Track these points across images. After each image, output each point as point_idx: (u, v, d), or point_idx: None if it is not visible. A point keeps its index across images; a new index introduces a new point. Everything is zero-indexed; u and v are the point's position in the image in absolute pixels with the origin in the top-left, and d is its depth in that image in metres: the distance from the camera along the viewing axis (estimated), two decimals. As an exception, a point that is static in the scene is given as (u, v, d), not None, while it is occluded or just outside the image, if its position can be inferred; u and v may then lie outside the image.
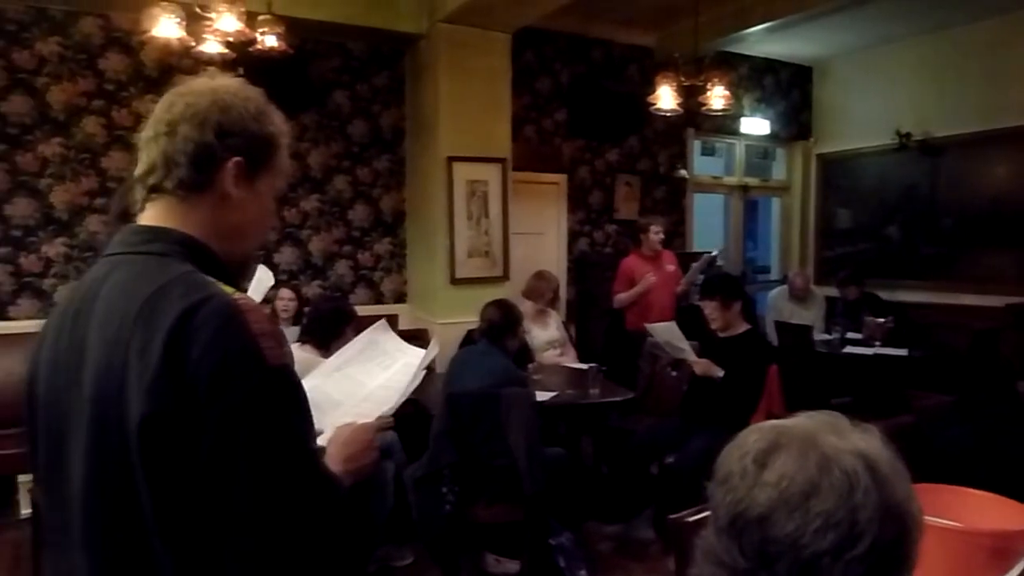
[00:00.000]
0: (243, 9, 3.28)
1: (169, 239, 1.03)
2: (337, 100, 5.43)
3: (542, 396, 3.64)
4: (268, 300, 4.35)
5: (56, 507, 1.02)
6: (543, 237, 6.22)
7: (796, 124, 7.60)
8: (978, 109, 6.10)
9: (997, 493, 1.74)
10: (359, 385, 1.43)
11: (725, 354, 3.81)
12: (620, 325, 5.28)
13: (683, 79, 4.46)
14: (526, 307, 4.56)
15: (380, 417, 1.32)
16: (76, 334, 1.00)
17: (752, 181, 7.64)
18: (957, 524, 1.56)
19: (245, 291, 1.01)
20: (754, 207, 8.35)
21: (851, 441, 0.83)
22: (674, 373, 4.39)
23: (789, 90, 7.53)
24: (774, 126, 7.40)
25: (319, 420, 1.10)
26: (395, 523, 3.47)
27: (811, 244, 7.72)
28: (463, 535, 3.36)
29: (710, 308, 3.90)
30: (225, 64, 3.39)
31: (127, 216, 1.62)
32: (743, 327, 3.93)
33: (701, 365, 3.83)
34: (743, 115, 7.14)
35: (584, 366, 4.33)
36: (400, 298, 5.75)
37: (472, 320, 3.96)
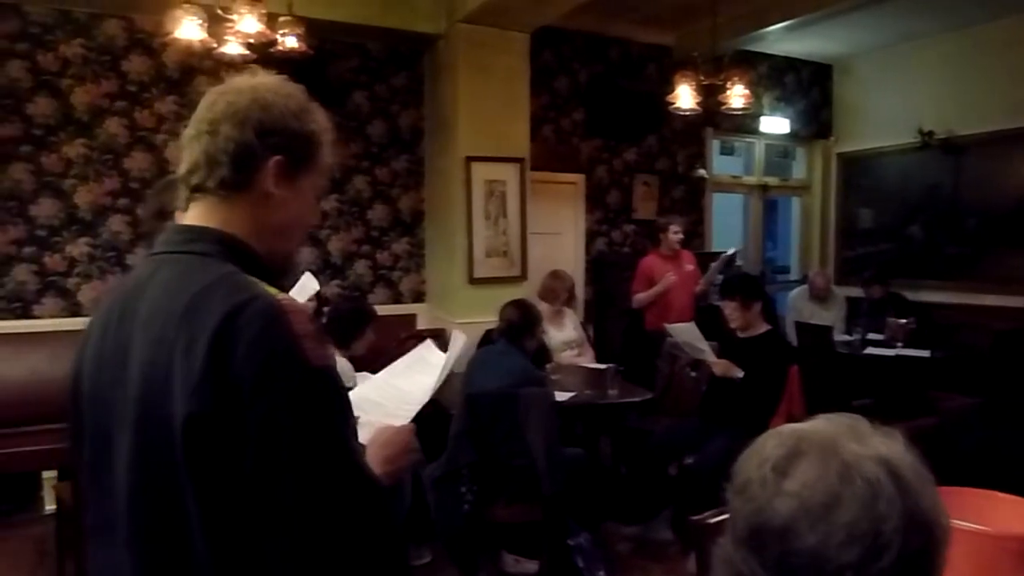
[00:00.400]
0: (264, 11, 3.30)
1: (211, 239, 1.03)
2: (356, 100, 5.45)
3: (560, 396, 3.64)
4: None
5: (101, 504, 1.02)
6: (561, 237, 6.21)
7: (816, 123, 7.53)
8: (1001, 107, 6.02)
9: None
10: (398, 389, 1.47)
11: (745, 355, 3.79)
12: (639, 325, 5.26)
13: (702, 78, 4.43)
14: (542, 308, 4.55)
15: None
16: (121, 332, 1.01)
17: (772, 180, 7.57)
18: (985, 528, 1.53)
19: (286, 290, 1.01)
20: (774, 207, 8.27)
21: (873, 447, 0.79)
22: (693, 374, 4.38)
23: (809, 88, 7.46)
24: (794, 125, 7.33)
25: (359, 421, 1.11)
26: (413, 522, 3.47)
27: (831, 244, 7.65)
28: (481, 535, 3.37)
29: (730, 308, 3.88)
30: (245, 65, 3.41)
31: (164, 215, 1.63)
32: (763, 327, 3.90)
33: (721, 366, 3.82)
34: (762, 114, 7.07)
35: (602, 366, 4.31)
36: (418, 298, 5.76)
37: (490, 320, 3.96)
